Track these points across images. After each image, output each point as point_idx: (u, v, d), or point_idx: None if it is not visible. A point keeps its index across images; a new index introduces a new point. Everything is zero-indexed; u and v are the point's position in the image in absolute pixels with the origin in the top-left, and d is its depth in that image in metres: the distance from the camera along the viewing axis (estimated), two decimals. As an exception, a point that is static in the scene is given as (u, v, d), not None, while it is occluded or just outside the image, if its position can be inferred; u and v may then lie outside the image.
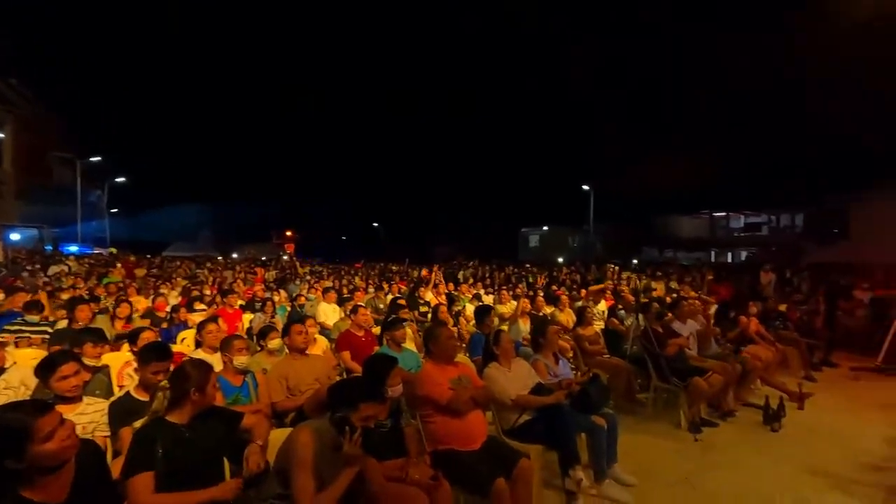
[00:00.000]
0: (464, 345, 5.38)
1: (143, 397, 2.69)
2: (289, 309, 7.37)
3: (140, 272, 14.35)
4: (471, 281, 11.89)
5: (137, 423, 2.34)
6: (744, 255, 29.92)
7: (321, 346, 4.82)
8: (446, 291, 9.17)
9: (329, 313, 6.76)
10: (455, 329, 6.11)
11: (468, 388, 2.95)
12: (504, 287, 9.87)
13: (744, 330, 6.28)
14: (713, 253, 31.41)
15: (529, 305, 7.07)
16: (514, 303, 7.47)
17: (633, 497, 3.29)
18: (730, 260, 29.82)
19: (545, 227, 40.85)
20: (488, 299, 8.80)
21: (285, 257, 27.19)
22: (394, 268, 18.95)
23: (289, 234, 42.71)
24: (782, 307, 8.23)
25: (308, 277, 14.79)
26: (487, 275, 14.85)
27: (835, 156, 21.93)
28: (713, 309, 6.91)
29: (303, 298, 7.99)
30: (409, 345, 4.71)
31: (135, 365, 3.29)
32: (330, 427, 2.10)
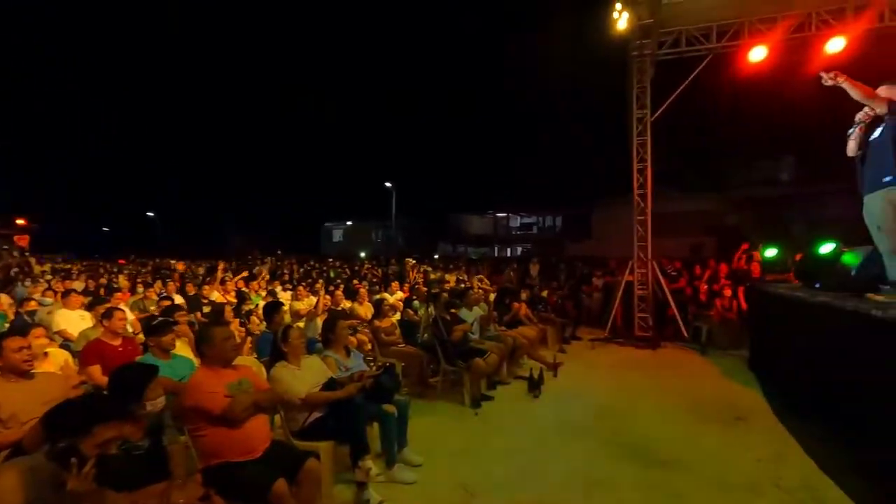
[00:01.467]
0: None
1: None
2: (11, 317, 5.71)
3: None
4: (267, 277, 11.06)
5: None
6: (519, 250, 34.91)
7: (57, 360, 3.82)
8: (236, 289, 8.34)
9: (72, 320, 5.44)
10: (242, 330, 5.59)
11: (249, 393, 2.69)
12: (303, 283, 9.45)
13: (516, 314, 7.29)
14: (496, 248, 35.85)
15: (329, 301, 6.93)
16: (313, 299, 7.24)
17: (420, 475, 3.48)
18: (508, 254, 34.40)
19: (349, 222, 40.83)
20: (285, 296, 8.31)
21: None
22: (173, 263, 16.46)
23: (21, 222, 33.22)
24: (544, 293, 9.83)
25: (48, 277, 11.80)
26: (285, 270, 14.07)
27: (583, 173, 27.74)
28: (492, 296, 7.84)
29: (34, 303, 6.28)
30: (185, 351, 4.11)
31: None
32: (49, 462, 1.65)
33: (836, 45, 7.52)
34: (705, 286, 9.08)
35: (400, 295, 8.34)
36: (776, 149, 23.36)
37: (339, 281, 11.02)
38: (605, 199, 25.09)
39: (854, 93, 3.65)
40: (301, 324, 6.31)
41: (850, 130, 3.92)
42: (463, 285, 9.24)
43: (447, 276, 12.51)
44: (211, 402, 2.50)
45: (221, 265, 8.82)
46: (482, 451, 3.96)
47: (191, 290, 8.07)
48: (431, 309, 5.56)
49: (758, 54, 8.02)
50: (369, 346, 6.05)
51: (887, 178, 3.49)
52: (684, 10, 7.94)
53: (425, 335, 5.76)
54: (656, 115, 8.95)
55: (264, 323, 5.90)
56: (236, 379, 2.70)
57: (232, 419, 2.51)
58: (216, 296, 7.80)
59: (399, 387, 4.02)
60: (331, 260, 21.46)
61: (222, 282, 8.55)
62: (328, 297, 6.99)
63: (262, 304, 7.23)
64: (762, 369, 6.25)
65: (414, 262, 14.34)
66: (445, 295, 6.21)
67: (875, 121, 3.72)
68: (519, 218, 36.99)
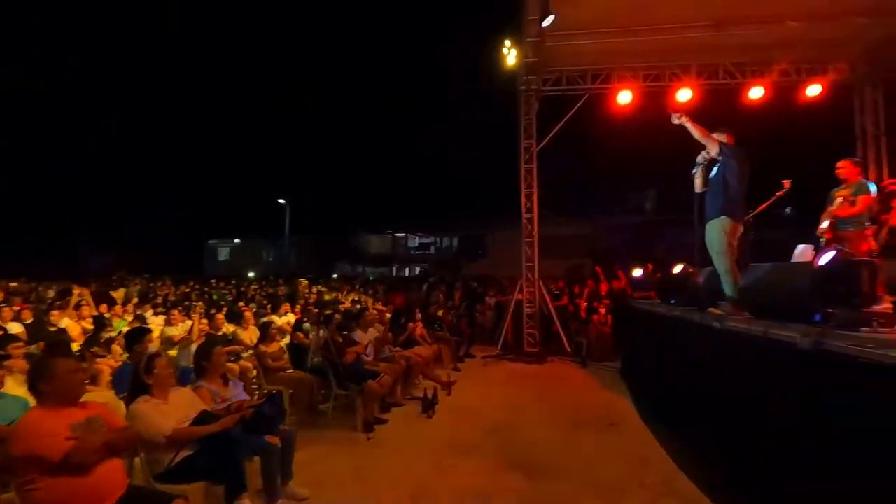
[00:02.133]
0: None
1: None
2: None
3: None
4: (134, 300, 9.84)
5: None
6: (417, 269, 35.25)
7: None
8: (96, 314, 7.31)
9: None
10: (97, 361, 4.90)
11: (100, 433, 2.34)
12: (178, 307, 8.56)
13: (411, 334, 7.30)
14: (395, 268, 35.83)
15: (207, 325, 6.36)
16: (189, 323, 6.58)
17: (306, 509, 3.29)
18: (407, 274, 34.55)
19: (237, 240, 38.15)
20: (157, 321, 7.45)
21: None
22: (13, 286, 13.96)
23: None
24: (440, 312, 9.99)
25: None
26: (159, 293, 12.67)
27: (478, 197, 29.28)
28: (388, 316, 7.78)
29: None
30: (19, 390, 3.47)
31: None
32: None
33: (684, 94, 8.81)
34: (585, 303, 9.89)
35: (290, 318, 7.92)
36: (641, 181, 26.50)
37: (222, 303, 10.16)
38: (500, 221, 26.45)
39: (694, 132, 4.30)
40: (173, 352, 5.72)
41: (693, 170, 4.60)
42: (359, 306, 9.06)
43: (342, 297, 12.17)
44: (48, 448, 2.13)
45: (86, 291, 7.67)
46: (373, 477, 3.85)
47: (27, 316, 6.90)
48: (323, 331, 5.35)
49: (625, 97, 9.09)
50: (254, 373, 5.64)
51: (719, 210, 4.16)
52: (563, 52, 8.76)
53: (315, 359, 5.52)
54: (541, 145, 9.70)
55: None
56: (84, 418, 2.34)
57: (77, 465, 2.16)
58: (67, 322, 6.75)
59: (284, 416, 3.79)
60: (214, 281, 19.74)
61: (77, 306, 7.44)
62: (205, 321, 6.42)
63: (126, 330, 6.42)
64: (631, 378, 6.93)
65: (306, 282, 13.77)
66: (338, 316, 6.03)
67: (712, 161, 4.40)
68: (417, 238, 37.45)
